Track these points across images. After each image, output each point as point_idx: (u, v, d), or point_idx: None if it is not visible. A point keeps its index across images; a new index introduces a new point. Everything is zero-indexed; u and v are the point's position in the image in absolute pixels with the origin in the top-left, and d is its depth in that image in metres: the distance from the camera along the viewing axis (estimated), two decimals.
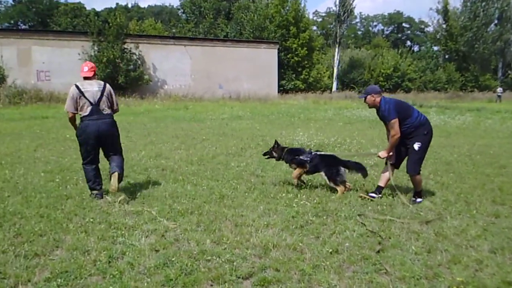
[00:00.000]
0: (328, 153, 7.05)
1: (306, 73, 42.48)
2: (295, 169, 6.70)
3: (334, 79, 48.56)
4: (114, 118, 6.32)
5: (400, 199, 6.01)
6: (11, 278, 3.58)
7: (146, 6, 76.69)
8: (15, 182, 6.93)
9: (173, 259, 3.99)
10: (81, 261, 3.92)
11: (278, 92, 37.73)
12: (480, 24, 52.43)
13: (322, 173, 6.55)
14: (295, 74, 41.85)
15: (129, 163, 8.45)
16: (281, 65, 39.47)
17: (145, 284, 3.54)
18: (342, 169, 6.50)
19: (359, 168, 6.67)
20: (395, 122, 5.86)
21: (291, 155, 6.74)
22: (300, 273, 3.80)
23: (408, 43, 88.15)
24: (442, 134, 14.05)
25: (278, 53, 38.58)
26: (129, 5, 70.96)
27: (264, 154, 7.18)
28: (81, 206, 5.63)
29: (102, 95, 6.16)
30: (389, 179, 6.28)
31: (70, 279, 3.60)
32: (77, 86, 6.17)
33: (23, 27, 53.85)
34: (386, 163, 6.35)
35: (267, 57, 37.06)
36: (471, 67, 54.26)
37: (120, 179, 6.17)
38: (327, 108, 25.70)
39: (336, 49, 49.36)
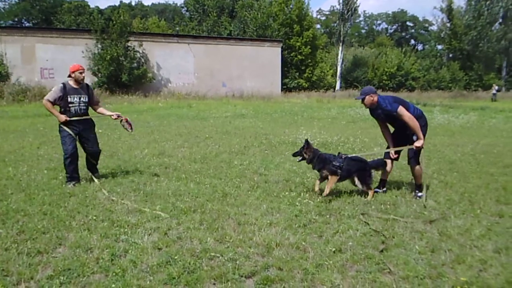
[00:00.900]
0: (354, 155, 6.78)
1: (310, 72, 42.42)
2: (326, 177, 6.14)
3: (337, 77, 48.49)
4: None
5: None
6: (14, 275, 3.59)
7: (149, 4, 76.69)
8: (19, 179, 6.94)
9: (175, 257, 3.99)
10: (83, 259, 3.92)
11: (282, 90, 37.70)
12: (484, 23, 52.21)
13: (355, 178, 6.20)
14: (298, 72, 41.80)
15: (132, 161, 8.47)
16: (284, 63, 39.42)
17: (148, 282, 3.54)
18: (373, 171, 6.35)
19: (382, 164, 6.50)
20: (401, 110, 5.91)
21: (323, 163, 6.14)
22: (303, 272, 3.79)
23: (412, 41, 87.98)
24: (446, 133, 14.00)
25: (282, 51, 38.53)
26: (133, 3, 71.02)
27: (294, 155, 6.51)
28: (84, 204, 5.63)
29: None
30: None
31: (73, 276, 3.60)
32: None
33: (27, 24, 53.95)
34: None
35: (270, 55, 37.02)
36: (475, 66, 54.04)
37: None
38: (331, 107, 25.64)
39: (340, 48, 49.28)
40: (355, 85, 47.62)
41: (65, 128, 6.70)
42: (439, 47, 62.26)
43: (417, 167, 6.22)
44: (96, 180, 6.66)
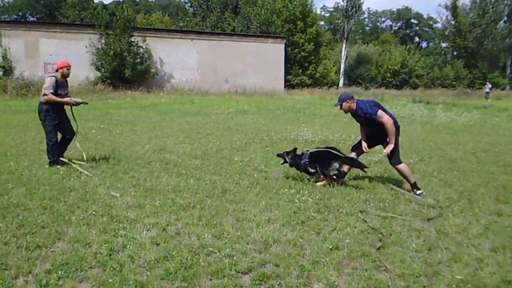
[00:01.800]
0: (322, 148, 7.10)
1: (313, 68, 42.37)
2: (312, 174, 6.80)
3: (341, 74, 48.42)
4: (40, 102, 7.64)
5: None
6: (13, 269, 3.61)
7: None
8: (20, 174, 6.98)
9: (173, 252, 4.01)
10: (82, 254, 3.95)
11: (285, 87, 37.67)
12: (489, 21, 52.01)
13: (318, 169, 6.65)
14: (301, 69, 41.75)
15: (133, 157, 8.50)
16: (288, 60, 39.39)
17: (145, 277, 3.56)
18: (335, 163, 6.47)
19: (354, 162, 6.73)
20: (381, 113, 6.18)
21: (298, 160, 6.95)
22: (300, 269, 3.81)
23: (416, 39, 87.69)
24: (448, 132, 13.98)
25: (285, 48, 38.48)
26: None
27: (278, 156, 7.45)
28: (84, 199, 5.66)
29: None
30: None
31: (71, 271, 3.63)
32: None
33: (31, 19, 54.02)
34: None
35: (273, 51, 36.99)
36: (479, 64, 53.85)
37: None
38: (333, 104, 25.56)
39: (344, 45, 49.18)
40: (359, 82, 47.56)
41: (52, 117, 7.58)
42: (443, 44, 62.06)
43: (401, 165, 6.39)
44: (66, 160, 7.73)
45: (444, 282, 3.64)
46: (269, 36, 38.17)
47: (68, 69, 7.72)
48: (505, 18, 54.49)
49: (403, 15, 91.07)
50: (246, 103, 24.03)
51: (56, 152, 7.67)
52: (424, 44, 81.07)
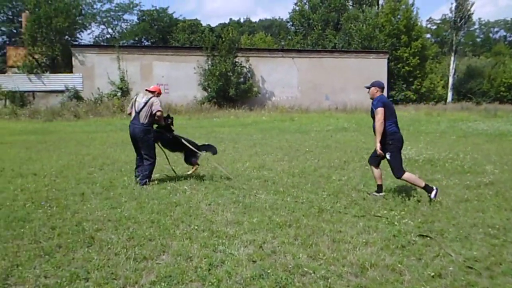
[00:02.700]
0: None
1: (418, 83, 40.54)
2: None
3: (449, 89, 45.73)
4: (148, 127, 8.10)
5: None
6: (121, 279, 3.92)
7: (257, 20, 79.11)
8: (132, 188, 7.55)
9: (269, 271, 4.08)
10: (183, 267, 4.17)
11: None
12: None
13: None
14: (406, 84, 40.17)
15: (234, 173, 8.79)
16: (391, 75, 38.17)
17: None
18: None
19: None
20: (380, 111, 6.69)
21: None
22: None
23: None
24: None
25: (388, 62, 37.40)
26: (241, 20, 73.70)
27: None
28: (188, 213, 5.97)
29: (144, 106, 7.99)
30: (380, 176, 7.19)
31: (173, 283, 3.85)
32: (137, 94, 8.56)
33: (146, 43, 58.50)
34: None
35: (376, 67, 36.11)
36: None
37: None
38: (440, 120, 24.27)
39: (452, 58, 46.49)
40: (469, 96, 44.48)
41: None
42: None
43: (405, 176, 6.78)
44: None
45: None
46: (371, 52, 37.39)
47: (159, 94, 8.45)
48: None
49: None
50: (346, 120, 23.71)
51: (136, 166, 8.38)
52: None
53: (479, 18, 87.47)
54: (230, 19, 72.34)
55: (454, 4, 46.69)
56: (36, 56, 32.24)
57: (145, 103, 8.00)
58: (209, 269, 4.14)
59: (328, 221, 5.66)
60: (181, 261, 4.32)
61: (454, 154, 11.25)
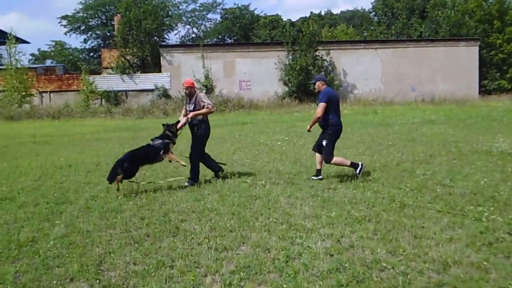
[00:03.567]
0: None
1: None
2: None
3: None
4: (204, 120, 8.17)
5: None
6: (203, 268, 4.13)
7: (338, 12, 77.74)
8: (215, 182, 7.86)
9: (346, 265, 4.08)
10: (262, 258, 4.30)
11: (479, 93, 34.24)
12: None
13: None
14: (499, 72, 37.31)
15: (313, 168, 8.79)
16: (482, 63, 35.74)
17: (317, 286, 3.71)
18: None
19: None
20: (322, 105, 7.56)
21: None
22: None
23: None
24: None
25: (479, 50, 35.04)
26: (322, 13, 72.83)
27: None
28: (267, 207, 6.12)
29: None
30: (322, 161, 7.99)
31: (251, 273, 3.98)
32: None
33: (229, 41, 59.92)
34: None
35: (466, 55, 34.03)
36: None
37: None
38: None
39: None
40: None
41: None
42: None
43: (334, 160, 7.76)
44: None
45: None
46: (461, 39, 35.23)
47: (185, 88, 8.04)
48: None
49: None
50: (434, 112, 22.64)
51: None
52: None
53: None
54: (311, 12, 71.66)
55: None
56: (128, 57, 34.32)
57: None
58: (287, 261, 4.22)
59: (410, 217, 5.51)
60: (259, 253, 4.45)
61: None
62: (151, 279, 3.88)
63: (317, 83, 7.95)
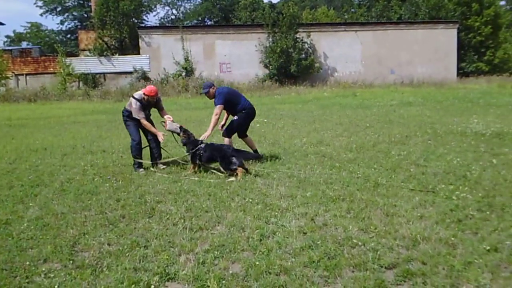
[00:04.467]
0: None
1: (491, 54, 38.01)
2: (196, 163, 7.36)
3: None
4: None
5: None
6: (177, 247, 4.15)
7: None
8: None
9: (318, 242, 4.15)
10: (236, 237, 4.34)
11: (457, 75, 34.70)
12: None
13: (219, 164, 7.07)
14: (477, 55, 37.81)
15: (291, 149, 8.88)
16: (461, 46, 36.14)
17: (289, 263, 3.77)
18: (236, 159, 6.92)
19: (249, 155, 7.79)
20: (220, 108, 7.68)
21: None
22: (449, 269, 3.62)
23: None
24: None
25: (458, 33, 35.41)
26: None
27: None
28: (243, 187, 6.16)
29: None
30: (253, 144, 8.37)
31: (225, 252, 4.03)
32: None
33: (209, 23, 59.29)
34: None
35: (444, 38, 34.36)
36: None
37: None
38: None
39: None
40: None
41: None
42: None
43: (227, 140, 8.04)
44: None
45: None
46: (439, 22, 35.51)
47: (153, 98, 7.74)
48: None
49: None
50: (412, 94, 22.91)
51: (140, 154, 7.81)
52: None
53: None
54: None
55: None
56: (106, 39, 33.70)
57: None
58: (261, 240, 4.28)
59: (383, 195, 5.62)
60: (234, 232, 4.50)
61: None
62: (125, 259, 3.89)
63: (210, 90, 7.89)
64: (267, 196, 5.70)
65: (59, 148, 9.83)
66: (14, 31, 65.91)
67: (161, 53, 32.12)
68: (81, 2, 61.02)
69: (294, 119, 14.24)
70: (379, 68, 33.45)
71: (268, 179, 6.56)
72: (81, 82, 31.73)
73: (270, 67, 32.00)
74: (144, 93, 7.73)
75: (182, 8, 65.32)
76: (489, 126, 10.99)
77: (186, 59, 31.95)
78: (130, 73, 31.46)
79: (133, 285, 3.42)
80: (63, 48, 32.55)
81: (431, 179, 6.34)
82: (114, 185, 6.46)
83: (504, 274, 3.51)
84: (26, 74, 32.79)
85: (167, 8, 64.01)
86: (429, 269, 3.62)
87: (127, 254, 3.99)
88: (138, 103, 7.67)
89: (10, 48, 43.35)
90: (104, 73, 32.37)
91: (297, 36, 32.15)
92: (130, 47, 34.22)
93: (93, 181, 6.73)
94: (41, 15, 74.00)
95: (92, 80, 31.47)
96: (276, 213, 5.01)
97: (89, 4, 49.26)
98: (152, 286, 3.43)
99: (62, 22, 63.23)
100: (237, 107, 7.98)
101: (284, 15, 32.09)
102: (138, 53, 32.56)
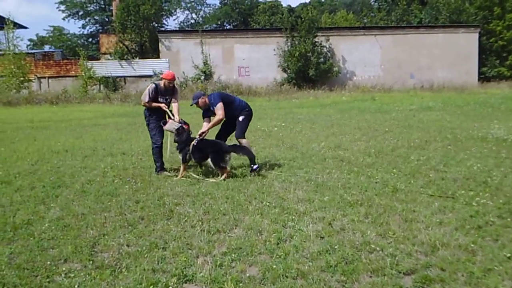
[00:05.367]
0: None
1: None
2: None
3: None
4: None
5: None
6: (195, 249, 4.19)
7: None
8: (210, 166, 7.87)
9: (336, 247, 4.14)
10: (253, 240, 4.36)
11: (478, 80, 34.20)
12: None
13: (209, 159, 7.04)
14: (499, 60, 37.23)
15: (308, 153, 8.87)
16: (482, 50, 35.63)
17: (306, 267, 3.77)
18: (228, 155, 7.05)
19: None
20: (220, 106, 7.35)
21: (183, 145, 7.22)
22: (468, 276, 3.58)
23: None
24: None
25: (479, 37, 34.92)
26: None
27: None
28: (261, 191, 6.17)
29: None
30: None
31: (243, 255, 4.05)
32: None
33: (228, 27, 59.58)
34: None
35: (465, 42, 33.92)
36: None
37: None
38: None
39: None
40: None
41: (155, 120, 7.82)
42: None
43: (244, 140, 7.67)
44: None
45: None
46: (460, 26, 35.08)
47: (170, 82, 7.55)
48: None
49: None
50: (432, 99, 22.64)
51: (161, 157, 7.73)
52: None
53: None
54: None
55: None
56: (126, 43, 34.21)
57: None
58: (278, 243, 4.28)
59: (402, 201, 5.57)
60: (251, 235, 4.51)
61: None
62: (144, 260, 3.94)
63: (199, 101, 7.51)
64: (284, 200, 5.71)
65: (80, 150, 9.99)
66: (37, 35, 67.41)
67: (181, 57, 32.41)
68: (103, 6, 62.03)
69: (312, 123, 14.21)
70: (398, 73, 33.19)
71: (286, 183, 6.56)
72: (102, 85, 32.25)
73: (289, 71, 32.02)
74: (161, 78, 7.75)
75: (201, 12, 65.88)
76: (510, 131, 10.80)
77: (205, 63, 32.19)
78: (150, 76, 31.80)
79: (151, 286, 3.47)
80: (84, 52, 33.14)
81: (450, 185, 6.26)
82: (133, 187, 6.54)
83: None
84: (49, 77, 33.50)
85: (186, 12, 64.74)
86: (448, 275, 3.59)
87: (145, 255, 4.04)
88: (153, 85, 7.61)
89: (33, 51, 44.25)
90: (124, 77, 32.83)
91: (316, 40, 32.10)
92: (150, 50, 34.65)
93: (113, 183, 6.82)
94: (63, 19, 75.81)
95: (112, 83, 31.98)
96: (293, 217, 5.01)
97: (111, 8, 50.08)
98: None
99: (84, 26, 64.48)
100: (234, 105, 7.65)
101: (303, 19, 32.09)
102: (158, 57, 32.94)
